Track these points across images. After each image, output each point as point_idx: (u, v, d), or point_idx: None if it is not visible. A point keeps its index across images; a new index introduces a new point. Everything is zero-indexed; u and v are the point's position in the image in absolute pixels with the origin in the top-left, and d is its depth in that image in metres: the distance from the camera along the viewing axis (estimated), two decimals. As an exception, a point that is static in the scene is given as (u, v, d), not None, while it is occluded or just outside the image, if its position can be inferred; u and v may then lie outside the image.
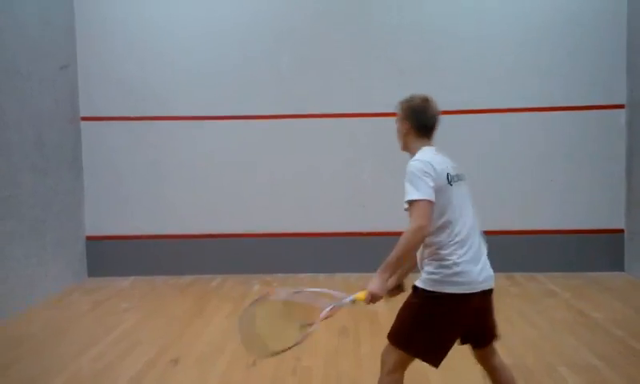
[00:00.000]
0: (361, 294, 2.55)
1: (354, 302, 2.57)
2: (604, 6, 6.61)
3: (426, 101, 2.76)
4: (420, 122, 2.74)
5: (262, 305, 2.64)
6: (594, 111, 6.66)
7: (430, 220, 2.52)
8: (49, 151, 6.24)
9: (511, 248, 6.67)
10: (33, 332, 5.05)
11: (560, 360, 4.13)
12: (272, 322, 2.67)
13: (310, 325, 2.55)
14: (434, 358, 2.62)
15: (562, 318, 5.13)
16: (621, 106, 6.61)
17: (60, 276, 6.40)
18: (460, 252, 2.56)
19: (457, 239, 2.57)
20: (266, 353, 2.61)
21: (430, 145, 2.75)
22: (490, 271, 2.66)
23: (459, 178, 2.69)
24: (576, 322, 5.00)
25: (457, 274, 2.54)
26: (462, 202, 2.65)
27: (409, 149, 2.79)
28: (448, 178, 2.62)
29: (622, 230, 6.67)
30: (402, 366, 2.65)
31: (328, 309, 2.57)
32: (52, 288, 6.18)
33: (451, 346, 2.64)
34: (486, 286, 2.62)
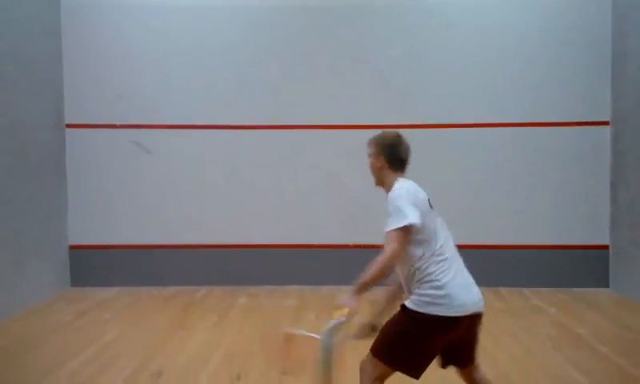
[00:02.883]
0: (339, 311, 2.54)
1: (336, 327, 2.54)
2: (588, 22, 6.69)
3: (398, 136, 2.87)
4: (394, 155, 2.82)
5: None
6: (580, 127, 6.73)
7: (404, 245, 2.58)
8: (32, 158, 6.17)
9: (497, 262, 6.69)
10: (10, 344, 4.95)
11: (544, 376, 4.13)
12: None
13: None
14: (416, 371, 2.69)
15: (547, 334, 5.14)
16: (605, 123, 6.69)
17: (43, 286, 6.30)
18: (450, 274, 2.64)
19: (444, 262, 2.65)
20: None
21: (404, 177, 2.81)
22: (480, 294, 2.69)
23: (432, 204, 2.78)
24: (561, 338, 5.01)
25: (447, 295, 2.59)
26: (442, 227, 2.75)
27: (384, 183, 2.84)
28: (430, 203, 2.74)
29: (606, 246, 6.72)
30: (382, 378, 2.71)
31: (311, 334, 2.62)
32: (34, 298, 6.07)
33: (432, 360, 2.71)
34: (477, 309, 2.66)
